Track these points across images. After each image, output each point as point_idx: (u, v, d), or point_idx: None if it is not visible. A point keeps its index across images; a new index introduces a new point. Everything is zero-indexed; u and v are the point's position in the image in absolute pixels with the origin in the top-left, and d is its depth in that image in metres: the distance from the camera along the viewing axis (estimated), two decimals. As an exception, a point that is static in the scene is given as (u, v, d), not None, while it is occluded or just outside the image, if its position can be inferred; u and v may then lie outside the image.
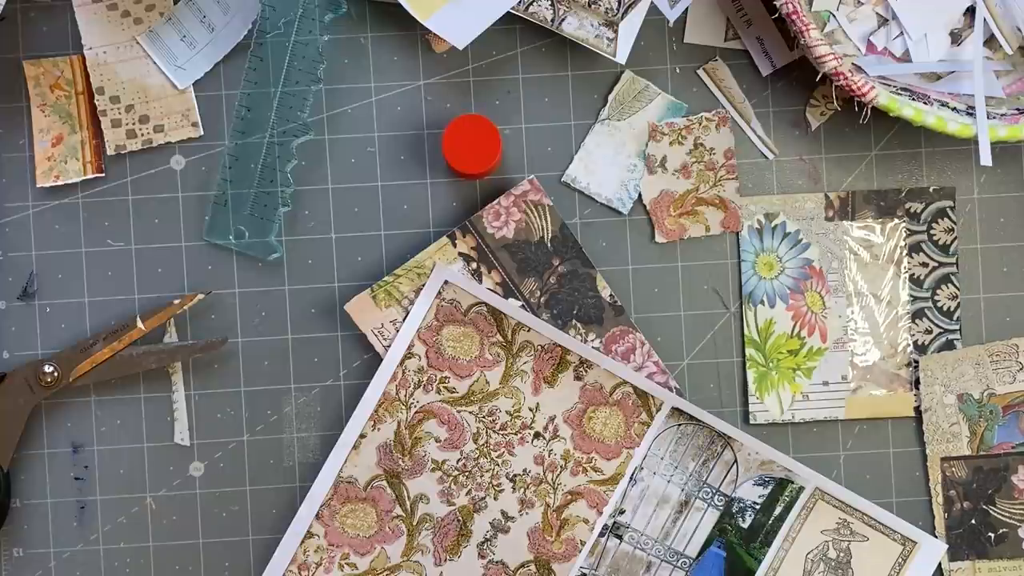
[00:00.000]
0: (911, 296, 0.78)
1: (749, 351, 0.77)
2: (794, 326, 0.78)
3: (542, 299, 0.77)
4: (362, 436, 0.76)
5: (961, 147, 0.78)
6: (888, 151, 0.78)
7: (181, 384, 0.77)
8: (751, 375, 0.77)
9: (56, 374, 0.74)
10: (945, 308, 0.78)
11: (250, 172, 0.76)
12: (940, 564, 0.77)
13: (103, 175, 0.77)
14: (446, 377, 0.76)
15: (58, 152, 0.76)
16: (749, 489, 0.77)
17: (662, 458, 0.77)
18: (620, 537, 0.76)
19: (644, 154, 0.78)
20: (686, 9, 0.77)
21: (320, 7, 0.76)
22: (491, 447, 0.76)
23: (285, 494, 0.77)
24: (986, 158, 0.71)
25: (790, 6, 0.70)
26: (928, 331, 0.78)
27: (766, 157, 0.78)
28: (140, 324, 0.75)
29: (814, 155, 0.78)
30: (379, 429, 0.76)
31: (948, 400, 0.77)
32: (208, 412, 0.77)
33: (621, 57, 0.75)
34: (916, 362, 0.77)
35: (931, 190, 0.78)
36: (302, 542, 0.76)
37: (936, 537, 0.77)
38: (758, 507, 0.76)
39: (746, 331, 0.78)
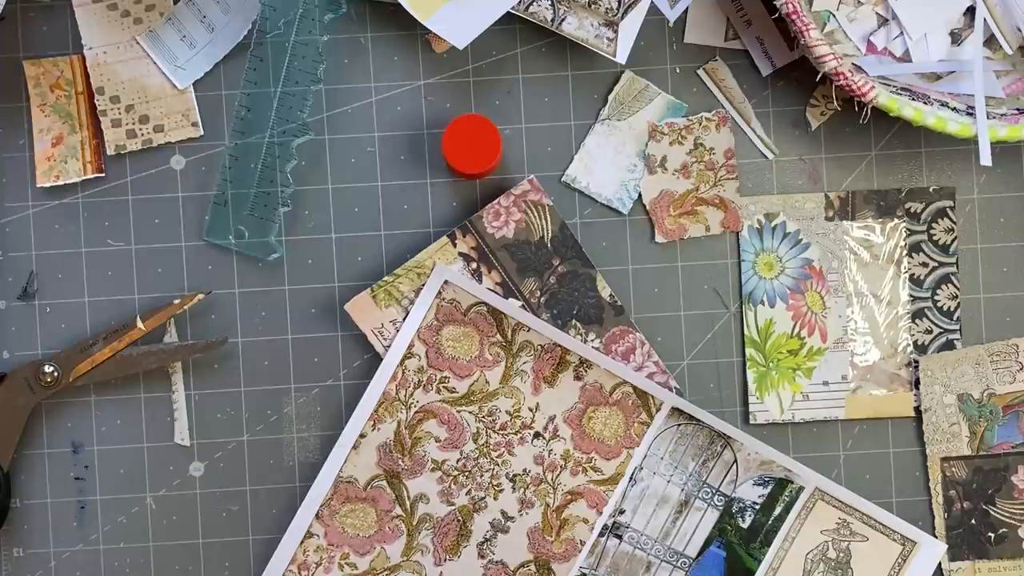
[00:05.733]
0: (911, 296, 0.78)
1: (749, 351, 0.77)
2: (794, 326, 0.77)
3: (542, 299, 0.77)
4: (362, 436, 0.76)
5: (961, 147, 0.78)
6: (888, 151, 0.78)
7: (181, 384, 0.77)
8: (751, 375, 0.77)
9: (56, 374, 0.74)
10: (945, 308, 0.78)
11: (250, 172, 0.76)
12: (940, 564, 0.77)
13: (103, 175, 0.77)
14: (446, 377, 0.76)
15: (58, 152, 0.76)
16: (749, 489, 0.77)
17: (662, 458, 0.77)
18: (620, 537, 0.76)
19: (644, 154, 0.78)
20: (686, 9, 0.77)
21: (320, 7, 0.76)
22: (491, 447, 0.76)
23: (285, 494, 0.77)
24: (986, 158, 0.71)
25: (790, 6, 0.70)
26: (928, 331, 0.78)
27: (766, 157, 0.78)
28: (140, 324, 0.75)
29: (814, 155, 0.78)
30: (379, 429, 0.76)
31: (948, 400, 0.77)
32: (208, 412, 0.77)
33: (621, 57, 0.75)
34: (916, 362, 0.77)
35: (931, 190, 0.78)
36: (302, 542, 0.76)
37: (936, 537, 0.77)
38: (758, 507, 0.76)
39: (746, 331, 0.78)
